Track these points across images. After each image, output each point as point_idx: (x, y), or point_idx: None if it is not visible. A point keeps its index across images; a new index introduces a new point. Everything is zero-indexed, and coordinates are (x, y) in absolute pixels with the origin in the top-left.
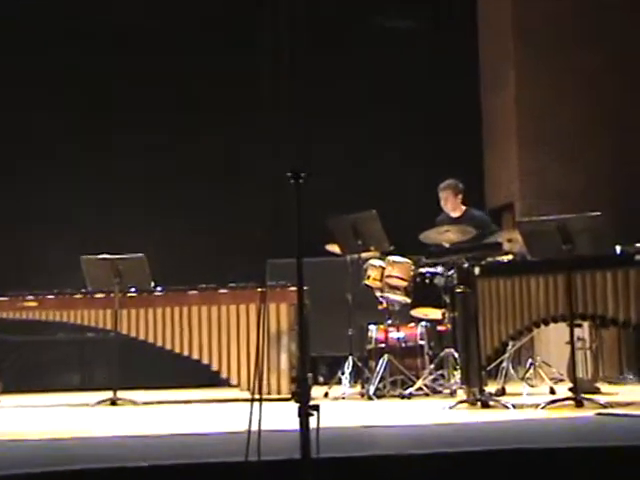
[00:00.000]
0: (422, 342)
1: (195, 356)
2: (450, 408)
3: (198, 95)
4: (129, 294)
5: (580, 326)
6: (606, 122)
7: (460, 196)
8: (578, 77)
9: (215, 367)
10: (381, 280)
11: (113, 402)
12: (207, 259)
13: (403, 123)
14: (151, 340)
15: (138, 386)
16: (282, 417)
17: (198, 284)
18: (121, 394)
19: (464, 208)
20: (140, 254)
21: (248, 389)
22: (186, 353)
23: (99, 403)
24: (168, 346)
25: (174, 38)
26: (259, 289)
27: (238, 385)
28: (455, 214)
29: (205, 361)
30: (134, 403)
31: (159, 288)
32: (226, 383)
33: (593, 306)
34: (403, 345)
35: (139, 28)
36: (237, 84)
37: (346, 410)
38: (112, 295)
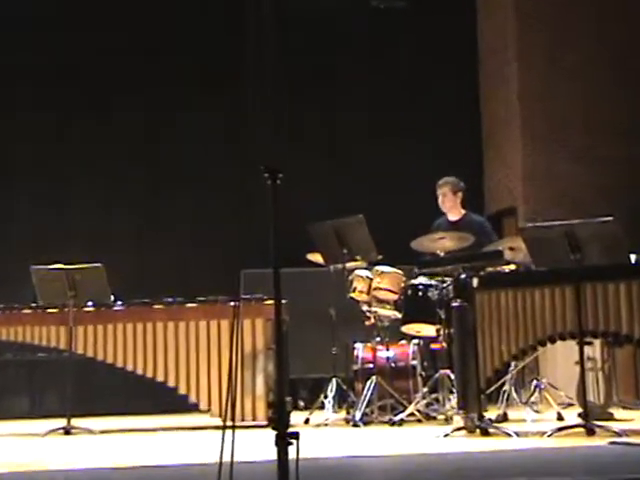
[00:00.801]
0: (414, 362)
1: (160, 378)
2: (445, 436)
3: (166, 97)
4: (85, 309)
5: (591, 344)
6: (621, 117)
7: (460, 195)
8: (589, 69)
9: (183, 391)
10: (368, 293)
11: (67, 431)
12: (174, 270)
13: (394, 119)
14: (110, 360)
15: (95, 413)
16: (258, 446)
17: (164, 297)
18: (76, 422)
19: (463, 212)
20: (98, 264)
21: (220, 415)
22: (150, 375)
23: (51, 432)
24: (129, 367)
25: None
26: (232, 303)
27: (208, 411)
28: (453, 216)
29: (171, 384)
30: (91, 432)
31: (119, 302)
32: (195, 409)
33: (605, 322)
34: (393, 365)
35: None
36: (204, 81)
37: (329, 438)
38: (66, 310)
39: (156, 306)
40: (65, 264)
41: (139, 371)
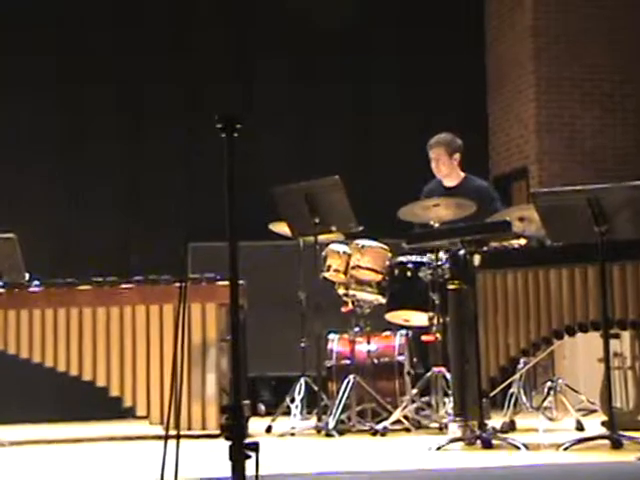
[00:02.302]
0: (401, 358)
1: (87, 377)
2: (439, 449)
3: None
4: None
5: (618, 337)
6: None
7: (457, 157)
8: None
9: (115, 392)
10: (346, 272)
11: None
12: (105, 243)
13: (376, 62)
14: (25, 355)
15: (6, 420)
16: (208, 460)
17: (92, 277)
18: None
19: (462, 175)
20: (9, 234)
21: (161, 423)
22: (74, 373)
23: None
24: (49, 363)
25: None
26: (177, 283)
27: (147, 417)
28: (449, 182)
29: (101, 384)
30: (1, 444)
31: (36, 282)
32: (131, 414)
33: (636, 310)
34: (375, 362)
35: None
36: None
37: (296, 450)
38: None
39: (82, 287)
40: None
41: (61, 368)
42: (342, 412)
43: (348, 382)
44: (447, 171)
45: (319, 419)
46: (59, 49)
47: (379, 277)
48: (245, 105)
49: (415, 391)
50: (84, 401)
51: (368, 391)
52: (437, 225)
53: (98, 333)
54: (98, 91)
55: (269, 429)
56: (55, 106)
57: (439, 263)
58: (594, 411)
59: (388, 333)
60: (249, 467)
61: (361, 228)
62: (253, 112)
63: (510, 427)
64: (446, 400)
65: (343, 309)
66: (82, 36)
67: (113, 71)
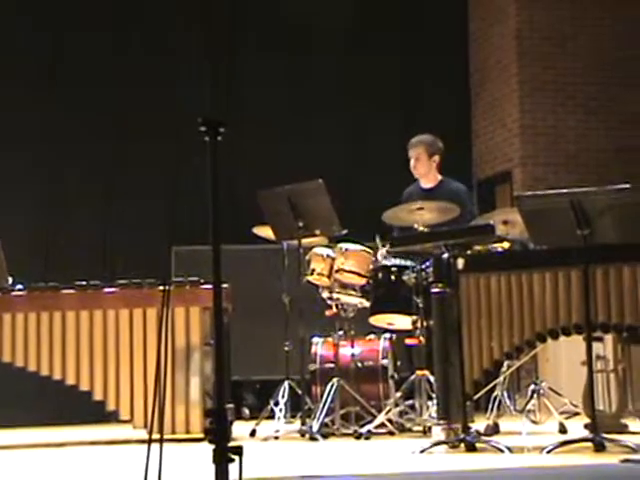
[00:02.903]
0: (385, 361)
1: (70, 381)
2: (422, 452)
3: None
4: None
5: (601, 340)
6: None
7: (436, 158)
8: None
9: (99, 396)
10: (329, 276)
11: None
12: (89, 247)
13: (359, 64)
14: (7, 359)
15: None
16: (191, 464)
17: (75, 280)
18: None
19: (439, 178)
20: None
21: (145, 426)
22: (58, 377)
23: None
24: (32, 367)
25: None
26: (160, 287)
27: (131, 421)
28: (426, 183)
29: (85, 387)
30: None
31: (19, 286)
32: (114, 418)
33: (619, 313)
34: (359, 365)
35: None
36: None
37: (280, 454)
38: None
39: (66, 291)
40: None
41: (44, 372)
42: (326, 416)
43: (332, 386)
44: (424, 171)
45: (303, 423)
46: (35, 47)
47: (363, 281)
48: (228, 108)
49: (399, 394)
50: (67, 405)
51: (352, 395)
52: (421, 228)
53: (81, 337)
54: (79, 92)
55: (253, 433)
56: (36, 109)
57: (423, 267)
58: (577, 414)
59: (372, 337)
60: (233, 471)
61: (345, 231)
62: (237, 115)
63: (494, 430)
64: (430, 403)
65: (327, 313)
66: (60, 36)
67: (93, 72)
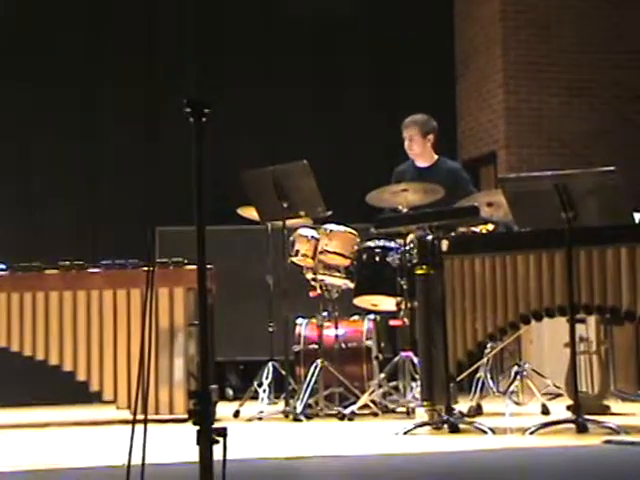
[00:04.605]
0: (369, 342)
1: (54, 361)
2: (406, 433)
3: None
4: None
5: (584, 322)
6: (625, 42)
7: (431, 137)
8: None
9: (82, 377)
10: (314, 257)
11: None
12: (72, 227)
13: (344, 40)
14: None
15: None
16: (175, 445)
17: (59, 261)
18: None
19: (436, 157)
20: None
21: (128, 407)
22: (41, 357)
23: None
24: (15, 347)
25: None
26: (144, 268)
27: (114, 402)
28: (422, 162)
29: (68, 368)
30: None
31: (2, 266)
32: (98, 399)
33: (602, 295)
34: (343, 346)
35: None
36: None
37: (264, 435)
38: None
39: (49, 271)
40: None
41: (27, 352)
42: (310, 396)
43: (316, 367)
44: (419, 151)
45: (287, 404)
46: (11, 48)
47: (347, 262)
48: (214, 88)
49: (383, 375)
50: (50, 385)
51: (336, 376)
52: (405, 210)
53: (65, 317)
54: (47, 62)
55: (237, 414)
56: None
57: (407, 248)
58: (560, 395)
59: (356, 318)
60: (217, 452)
61: (329, 213)
62: (222, 96)
63: (477, 411)
64: (413, 384)
65: (311, 294)
66: (36, 34)
67: (67, 45)
